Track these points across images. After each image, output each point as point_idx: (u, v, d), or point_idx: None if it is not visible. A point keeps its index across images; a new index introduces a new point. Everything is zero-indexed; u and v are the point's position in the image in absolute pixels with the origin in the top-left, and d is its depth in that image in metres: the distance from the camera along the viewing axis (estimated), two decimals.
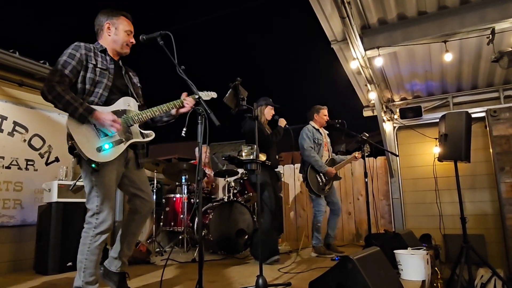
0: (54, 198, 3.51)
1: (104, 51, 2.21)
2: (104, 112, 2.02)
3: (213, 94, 2.40)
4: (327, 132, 4.49)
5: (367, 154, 3.93)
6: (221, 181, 5.86)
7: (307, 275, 3.02)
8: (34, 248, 3.60)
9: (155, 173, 4.82)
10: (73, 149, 2.02)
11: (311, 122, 4.32)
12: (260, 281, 2.34)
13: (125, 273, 2.28)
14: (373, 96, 4.76)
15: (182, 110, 2.26)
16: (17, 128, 3.82)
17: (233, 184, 4.79)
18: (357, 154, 4.22)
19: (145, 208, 2.34)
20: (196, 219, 4.46)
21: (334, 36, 4.09)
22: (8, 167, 3.70)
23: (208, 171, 5.27)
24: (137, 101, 2.27)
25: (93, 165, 1.97)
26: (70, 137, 1.95)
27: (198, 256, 2.00)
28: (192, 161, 5.23)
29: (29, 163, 3.89)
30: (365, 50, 4.01)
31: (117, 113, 2.11)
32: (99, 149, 1.97)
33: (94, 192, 2.05)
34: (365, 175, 3.91)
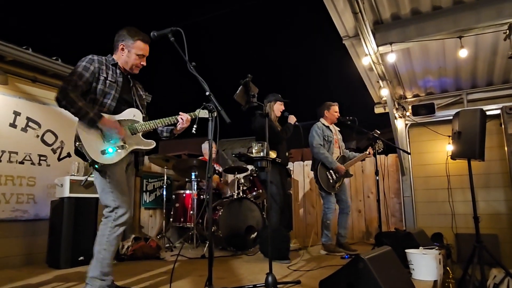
0: (66, 193, 3.55)
1: (115, 65, 2.37)
2: (111, 120, 2.22)
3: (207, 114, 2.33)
4: (338, 129, 4.45)
5: (380, 151, 3.88)
6: (230, 178, 5.87)
7: (316, 273, 3.00)
8: (46, 242, 3.66)
9: (165, 169, 4.84)
10: (79, 151, 2.20)
11: (322, 119, 4.28)
12: (270, 278, 2.33)
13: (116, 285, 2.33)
14: (385, 92, 4.69)
15: (179, 127, 2.43)
16: (30, 124, 3.87)
17: (242, 180, 4.79)
18: (368, 151, 4.17)
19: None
20: (206, 215, 4.47)
21: (346, 32, 4.03)
22: (21, 162, 3.75)
23: (217, 167, 5.27)
24: (142, 113, 2.43)
25: (96, 166, 2.14)
26: (77, 138, 2.14)
27: (208, 253, 2.00)
28: (201, 157, 5.24)
29: (41, 158, 3.94)
30: (378, 46, 3.94)
31: (123, 122, 2.30)
32: (103, 152, 2.15)
33: (107, 189, 2.18)
34: (376, 173, 3.87)
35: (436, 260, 2.67)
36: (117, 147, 2.20)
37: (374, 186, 5.57)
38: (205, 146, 5.43)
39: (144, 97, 2.61)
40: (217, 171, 5.12)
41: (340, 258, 3.75)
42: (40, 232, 3.72)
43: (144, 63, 2.43)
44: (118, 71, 2.37)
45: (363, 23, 3.46)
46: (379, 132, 4.00)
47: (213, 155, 5.24)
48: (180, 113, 2.42)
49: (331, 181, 4.10)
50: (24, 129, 3.82)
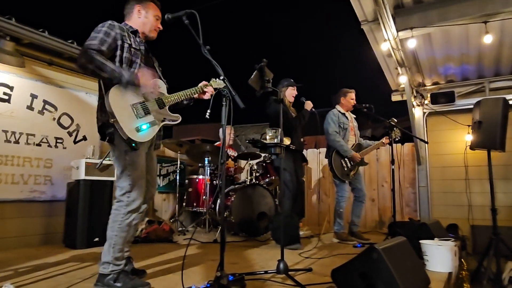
0: (82, 175, 3.61)
1: (135, 32, 2.24)
2: (144, 71, 2.06)
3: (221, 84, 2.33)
4: (354, 116, 4.36)
5: (397, 139, 3.79)
6: (243, 164, 5.87)
7: (328, 261, 2.99)
8: (63, 223, 3.75)
9: (179, 154, 4.87)
10: (105, 127, 2.07)
11: (337, 106, 4.21)
12: (281, 265, 2.33)
13: (130, 257, 2.30)
14: (403, 80, 4.55)
15: (203, 96, 2.35)
16: (47, 106, 3.92)
17: (255, 167, 4.78)
18: (384, 139, 4.08)
19: (149, 194, 2.36)
20: (219, 200, 4.49)
21: (364, 16, 3.90)
22: (38, 144, 3.82)
23: (232, 152, 5.27)
24: (165, 84, 2.31)
25: (133, 144, 2.03)
26: (112, 115, 1.96)
27: (220, 238, 2.00)
28: (216, 143, 5.24)
29: (58, 141, 4.01)
30: (398, 31, 3.80)
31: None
32: (137, 129, 2.02)
33: (126, 172, 2.09)
34: (392, 162, 3.79)
35: (452, 252, 2.62)
36: (150, 122, 2.07)
37: (389, 175, 5.48)
38: (221, 131, 5.42)
39: (161, 69, 2.47)
40: (231, 157, 5.11)
41: (352, 247, 3.72)
42: (57, 212, 3.81)
43: (161, 27, 2.33)
44: (138, 39, 2.23)
45: (383, 7, 3.34)
46: (396, 120, 3.90)
47: (231, 141, 5.27)
48: (204, 83, 2.35)
49: (345, 169, 4.05)
50: (41, 112, 3.87)
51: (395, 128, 3.88)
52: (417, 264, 2.14)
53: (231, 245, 3.80)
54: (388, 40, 3.87)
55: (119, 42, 2.08)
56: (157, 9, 2.30)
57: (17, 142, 3.64)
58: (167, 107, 2.22)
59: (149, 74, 2.07)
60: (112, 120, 1.97)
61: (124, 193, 2.10)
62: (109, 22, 2.10)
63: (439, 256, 2.61)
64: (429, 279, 2.13)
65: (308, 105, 3.77)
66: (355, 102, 4.14)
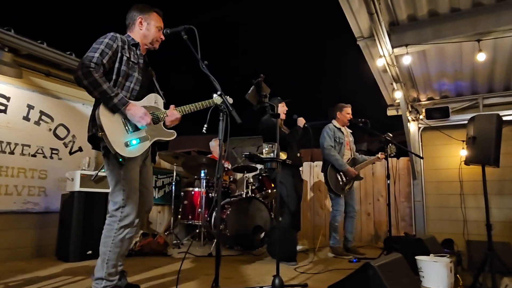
0: (77, 187, 3.59)
1: (136, 45, 2.22)
2: (137, 105, 2.05)
3: (230, 99, 2.25)
4: (351, 131, 4.40)
5: (392, 155, 3.81)
6: (239, 177, 5.86)
7: (324, 276, 2.97)
8: (56, 235, 3.70)
9: (175, 166, 4.85)
10: (94, 139, 2.05)
11: (334, 121, 4.24)
12: (277, 281, 2.31)
13: (124, 271, 2.26)
14: (398, 95, 4.61)
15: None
16: (43, 117, 3.91)
17: (251, 180, 4.77)
18: (380, 154, 4.11)
19: (146, 207, 2.34)
20: (214, 213, 4.47)
21: (360, 33, 3.97)
22: (33, 155, 3.80)
23: (226, 164, 5.26)
24: (162, 99, 2.28)
25: (120, 159, 2.00)
26: (100, 128, 1.95)
27: (216, 253, 1.98)
28: (209, 155, 5.23)
29: (53, 152, 3.99)
30: (393, 47, 3.87)
31: (146, 109, 2.11)
32: (126, 144, 2.00)
33: (119, 186, 2.06)
34: (388, 176, 3.81)
35: (447, 268, 2.61)
36: (140, 138, 2.04)
37: (384, 189, 5.50)
38: (212, 144, 5.43)
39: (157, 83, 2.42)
40: (226, 169, 5.11)
41: (348, 261, 3.71)
42: (50, 224, 3.77)
43: (163, 37, 2.29)
44: (138, 52, 2.21)
45: (378, 24, 3.40)
46: (391, 135, 3.94)
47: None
48: (171, 106, 2.25)
49: (340, 183, 4.06)
50: (37, 123, 3.86)
51: (390, 144, 3.91)
52: (413, 280, 2.14)
53: (226, 259, 3.76)
54: (384, 56, 3.93)
55: (119, 55, 2.07)
56: (159, 20, 2.28)
57: (12, 152, 3.62)
58: (161, 123, 2.19)
59: (140, 110, 2.03)
60: (100, 133, 1.95)
61: (117, 208, 2.06)
62: (112, 33, 2.09)
63: (435, 272, 2.60)
64: None
65: (301, 121, 3.78)
66: (351, 117, 4.18)
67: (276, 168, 2.35)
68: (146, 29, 2.23)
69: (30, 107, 3.80)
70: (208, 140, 5.77)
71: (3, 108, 3.59)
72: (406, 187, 5.52)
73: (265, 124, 3.76)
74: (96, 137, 2.01)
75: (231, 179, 5.29)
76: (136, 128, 2.05)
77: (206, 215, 4.53)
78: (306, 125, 3.81)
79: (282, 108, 3.94)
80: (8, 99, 3.63)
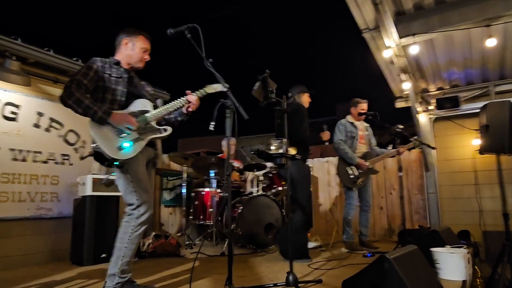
0: (89, 191, 3.61)
1: (117, 63, 2.37)
2: (120, 113, 2.19)
3: (219, 87, 2.31)
4: (368, 125, 4.34)
5: (412, 148, 3.74)
6: (249, 175, 5.84)
7: (338, 272, 2.94)
8: (70, 239, 3.73)
9: (185, 167, 4.86)
10: (97, 154, 2.18)
11: (348, 116, 4.23)
12: (291, 277, 2.29)
13: (133, 281, 2.29)
14: (407, 86, 4.54)
15: (189, 109, 2.39)
16: (53, 124, 3.95)
17: (261, 178, 4.75)
18: (400, 148, 3.99)
19: None
20: (225, 212, 4.47)
21: (365, 24, 3.92)
22: (45, 162, 3.84)
23: (237, 163, 5.25)
24: (151, 102, 2.40)
25: (116, 163, 2.11)
26: (94, 140, 2.12)
27: (228, 252, 1.97)
28: (220, 155, 5.23)
29: (64, 157, 4.02)
30: (400, 37, 3.80)
31: (134, 114, 2.26)
32: (119, 148, 2.12)
33: (130, 188, 2.18)
34: (400, 169, 3.75)
35: (465, 259, 2.56)
36: (133, 140, 2.17)
37: (396, 183, 5.43)
38: (224, 143, 5.42)
39: (152, 92, 2.59)
40: (237, 168, 5.10)
41: (362, 256, 3.66)
42: (63, 229, 3.80)
43: (148, 58, 2.45)
44: (121, 68, 2.36)
45: (384, 14, 3.34)
46: (401, 126, 3.87)
47: (232, 151, 5.28)
48: (187, 92, 2.35)
49: (351, 176, 4.02)
50: (47, 129, 3.90)
51: (415, 139, 3.85)
52: (430, 273, 2.09)
53: (239, 258, 3.75)
54: (391, 47, 3.87)
55: (100, 74, 2.22)
56: (146, 42, 2.42)
57: (24, 160, 3.66)
58: (154, 123, 2.32)
59: (122, 115, 2.17)
60: (93, 145, 2.12)
61: (134, 208, 2.18)
62: (92, 58, 2.28)
63: (452, 264, 2.55)
64: (442, 287, 2.08)
65: (326, 136, 3.57)
66: (365, 112, 4.12)
67: (285, 164, 2.32)
68: (131, 49, 2.38)
69: (40, 114, 3.84)
70: (217, 140, 5.77)
71: (13, 116, 3.63)
72: (419, 179, 5.44)
73: (296, 109, 3.57)
74: (98, 152, 2.14)
75: (242, 178, 5.28)
76: (125, 132, 2.17)
77: (217, 215, 4.52)
78: (326, 142, 3.63)
79: (307, 99, 3.81)
80: (18, 107, 3.67)
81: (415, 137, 3.84)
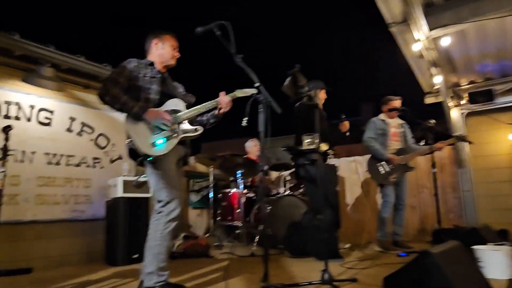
0: (120, 193, 3.69)
1: (151, 64, 2.44)
2: (155, 110, 2.25)
3: (253, 90, 2.39)
4: (403, 122, 4.22)
5: (451, 144, 3.58)
6: (272, 175, 5.80)
7: (373, 271, 2.86)
8: (103, 240, 3.82)
9: (211, 169, 4.88)
10: (131, 150, 2.24)
11: (381, 114, 4.17)
12: (326, 275, 2.24)
13: (171, 283, 2.29)
14: (438, 80, 4.39)
15: (221, 110, 2.42)
16: (84, 128, 4.07)
17: (288, 177, 4.71)
18: (439, 143, 3.84)
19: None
20: (253, 213, 4.45)
21: (392, 18, 3.81)
22: (78, 165, 3.95)
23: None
24: (183, 101, 2.45)
25: (149, 159, 2.15)
26: (128, 136, 2.18)
27: (263, 248, 1.95)
28: (245, 156, 5.22)
29: (96, 161, 4.13)
30: (430, 30, 3.69)
31: (167, 112, 2.31)
32: (153, 145, 2.17)
33: (160, 185, 2.20)
34: (433, 165, 3.62)
35: (510, 257, 2.42)
36: (166, 137, 2.21)
37: (428, 180, 5.24)
38: (248, 145, 5.42)
39: (184, 93, 2.65)
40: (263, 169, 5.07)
41: (396, 256, 3.55)
42: (97, 231, 3.89)
43: (178, 54, 2.52)
44: (155, 69, 2.43)
45: (413, 7, 3.25)
46: (433, 121, 3.75)
47: (257, 153, 5.27)
48: (220, 93, 2.41)
49: (382, 172, 3.94)
50: (79, 134, 4.02)
51: (433, 130, 3.72)
52: (474, 268, 2.00)
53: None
54: (420, 40, 3.75)
55: (135, 74, 2.30)
56: (173, 39, 2.50)
57: (58, 163, 3.79)
58: (186, 122, 2.36)
59: (158, 112, 2.23)
60: (128, 140, 2.18)
61: (164, 205, 2.19)
62: (128, 59, 2.36)
63: (496, 262, 2.42)
64: (490, 284, 1.97)
65: (345, 126, 3.54)
66: (394, 107, 4.02)
67: (317, 160, 2.28)
68: (161, 48, 2.46)
69: (72, 119, 3.96)
70: (241, 143, 5.78)
71: (47, 121, 3.76)
72: (451, 176, 5.23)
73: (302, 109, 3.53)
74: (132, 149, 2.20)
75: (267, 178, 5.25)
76: (160, 130, 2.21)
77: (245, 215, 4.51)
78: (347, 133, 3.57)
79: (322, 95, 3.72)
80: (52, 112, 3.80)
81: (459, 133, 3.68)
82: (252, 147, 5.28)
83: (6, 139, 2.19)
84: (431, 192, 5.20)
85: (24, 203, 3.46)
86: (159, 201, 2.21)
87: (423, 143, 4.06)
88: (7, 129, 2.15)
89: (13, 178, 3.36)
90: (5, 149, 2.18)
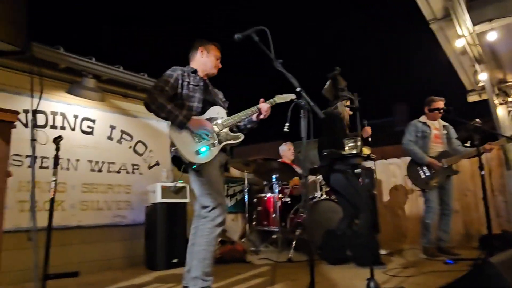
0: (159, 199, 3.76)
1: (194, 71, 2.52)
2: (199, 119, 2.32)
3: (292, 96, 2.53)
4: (446, 124, 4.04)
5: (502, 144, 3.38)
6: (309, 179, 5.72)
7: (420, 279, 2.73)
8: (144, 245, 3.90)
9: (246, 173, 4.88)
10: (174, 157, 2.29)
11: (422, 116, 4.02)
12: (372, 284, 2.16)
13: None
14: (483, 77, 4.16)
15: (261, 116, 2.49)
16: (124, 136, 4.19)
17: (324, 181, 4.61)
18: (487, 145, 3.63)
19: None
20: (289, 218, 4.41)
21: (433, 14, 3.66)
22: (118, 172, 4.08)
23: (298, 169, 5.18)
24: (224, 109, 2.52)
25: (194, 167, 2.21)
26: (172, 144, 2.24)
27: (309, 257, 1.91)
28: (279, 160, 5.19)
29: (135, 167, 4.24)
30: (474, 25, 3.51)
31: (209, 120, 2.40)
32: (197, 152, 2.23)
33: (205, 191, 2.25)
34: (480, 167, 3.41)
35: None
36: (209, 145, 2.27)
37: (471, 183, 4.98)
38: (282, 149, 5.38)
39: (224, 100, 2.71)
40: (298, 173, 5.02)
41: (442, 263, 3.38)
42: (137, 236, 3.99)
43: (220, 65, 2.62)
44: (198, 77, 2.50)
45: (456, 1, 3.10)
46: (479, 121, 3.54)
47: (292, 157, 5.22)
48: (260, 100, 2.48)
49: (423, 176, 3.77)
50: (119, 141, 4.15)
51: (480, 130, 3.50)
52: None
53: (306, 264, 3.62)
54: (463, 36, 3.58)
55: (180, 82, 2.37)
56: (217, 50, 2.59)
57: (100, 170, 3.92)
58: (227, 129, 2.42)
59: (201, 121, 2.30)
60: (173, 148, 2.24)
61: (210, 210, 2.23)
62: (173, 67, 2.44)
63: None
64: None
65: (367, 132, 3.47)
66: (436, 108, 3.84)
67: (360, 164, 2.21)
68: (206, 57, 2.55)
69: (112, 127, 4.10)
70: (273, 146, 5.75)
71: (90, 130, 3.91)
72: (498, 179, 4.93)
73: (329, 116, 3.48)
74: (177, 157, 2.25)
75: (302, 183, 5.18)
76: (202, 138, 2.28)
77: (281, 220, 4.46)
78: (369, 139, 3.50)
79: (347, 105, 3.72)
80: (94, 121, 3.95)
81: (475, 120, 3.44)
82: (286, 151, 5.24)
83: (57, 149, 2.28)
84: (475, 196, 4.93)
85: (70, 209, 3.61)
86: (205, 207, 2.24)
87: (469, 145, 3.85)
88: (58, 139, 2.25)
89: (60, 185, 3.51)
90: (56, 158, 2.27)
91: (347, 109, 3.63)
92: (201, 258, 2.18)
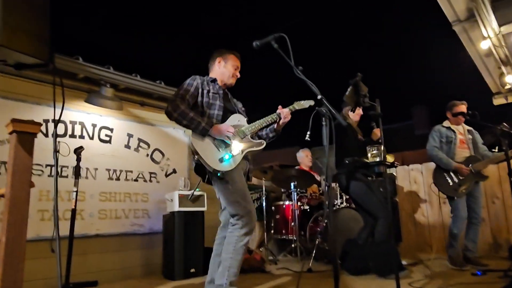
0: (176, 207, 3.73)
1: (214, 80, 2.55)
2: (221, 125, 2.34)
3: (311, 102, 2.58)
4: (471, 128, 3.91)
5: None
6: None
7: None
8: (161, 254, 3.88)
9: (263, 181, 4.82)
10: (198, 166, 2.29)
11: (445, 121, 3.88)
12: None
13: None
14: (510, 79, 4.00)
15: (281, 121, 2.50)
16: (141, 144, 4.20)
17: (340, 189, 4.51)
18: None
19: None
20: (308, 227, 4.32)
21: (456, 16, 3.54)
22: (135, 180, 4.08)
23: (316, 176, 5.09)
24: (244, 116, 2.55)
25: (218, 174, 2.19)
26: (195, 152, 2.23)
27: (333, 267, 1.83)
28: (297, 167, 5.11)
29: (152, 175, 4.24)
30: (500, 26, 3.38)
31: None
32: (221, 160, 2.23)
33: (233, 199, 2.24)
34: (510, 173, 3.25)
35: None
36: (231, 152, 2.27)
37: (499, 190, 4.78)
38: (299, 155, 5.30)
39: (243, 109, 2.71)
40: (316, 180, 4.93)
41: (470, 274, 3.23)
42: (155, 244, 3.97)
43: (239, 75, 2.63)
44: (217, 85, 2.53)
45: (481, 2, 2.99)
46: (507, 125, 3.38)
47: (310, 163, 5.13)
48: (279, 107, 2.49)
49: (451, 183, 3.62)
50: (136, 149, 4.15)
51: (507, 135, 3.34)
52: None
53: (327, 274, 3.54)
54: (489, 37, 3.44)
55: (200, 90, 2.40)
56: (236, 60, 2.61)
57: (118, 179, 3.93)
58: (248, 136, 2.42)
59: (223, 126, 2.31)
60: (195, 157, 2.24)
61: (239, 218, 2.22)
62: (192, 76, 2.47)
63: None
64: None
65: (376, 135, 3.42)
66: (460, 112, 3.71)
67: (384, 172, 2.13)
68: (223, 67, 2.57)
69: (129, 135, 4.11)
70: (288, 153, 5.68)
71: (108, 138, 3.93)
72: None
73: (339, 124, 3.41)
74: (200, 165, 2.25)
75: (321, 191, 5.09)
76: (225, 145, 2.28)
77: (300, 229, 4.38)
78: (380, 141, 3.40)
79: (358, 111, 3.62)
80: (111, 130, 3.97)
81: (502, 124, 3.29)
82: (304, 158, 5.16)
83: (78, 159, 2.29)
84: (504, 203, 4.73)
85: (89, 218, 3.62)
86: (234, 215, 2.23)
87: (496, 150, 3.69)
88: (79, 150, 2.25)
89: (79, 194, 3.51)
90: (78, 169, 2.27)
91: (352, 113, 3.57)
92: (227, 265, 2.16)
